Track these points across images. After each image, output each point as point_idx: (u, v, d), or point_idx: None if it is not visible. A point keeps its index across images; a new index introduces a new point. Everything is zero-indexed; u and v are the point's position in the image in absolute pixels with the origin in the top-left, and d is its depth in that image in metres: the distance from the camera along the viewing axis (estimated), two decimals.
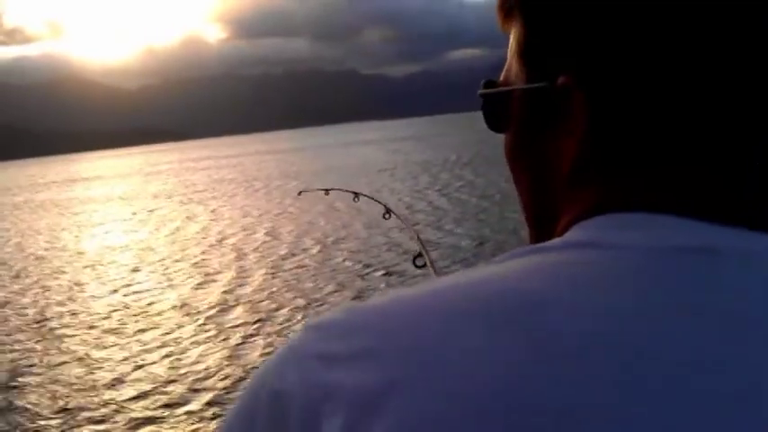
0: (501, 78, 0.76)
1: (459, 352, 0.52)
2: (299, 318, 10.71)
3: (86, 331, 11.55)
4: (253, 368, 8.74)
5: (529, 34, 0.69)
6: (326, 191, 5.31)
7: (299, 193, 6.85)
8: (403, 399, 0.51)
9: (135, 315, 12.24)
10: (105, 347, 10.48)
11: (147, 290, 14.12)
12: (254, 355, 9.33)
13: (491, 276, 0.59)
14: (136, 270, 16.53)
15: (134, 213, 30.35)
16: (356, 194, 4.65)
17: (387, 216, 4.09)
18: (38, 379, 9.36)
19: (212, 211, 27.14)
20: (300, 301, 11.81)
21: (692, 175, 0.62)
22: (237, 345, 9.81)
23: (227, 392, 8.14)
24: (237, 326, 10.71)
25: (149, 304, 12.90)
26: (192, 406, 7.91)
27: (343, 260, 14.89)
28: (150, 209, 31.44)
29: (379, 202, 4.30)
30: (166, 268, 16.21)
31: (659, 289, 0.56)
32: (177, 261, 16.88)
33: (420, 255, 3.08)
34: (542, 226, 0.72)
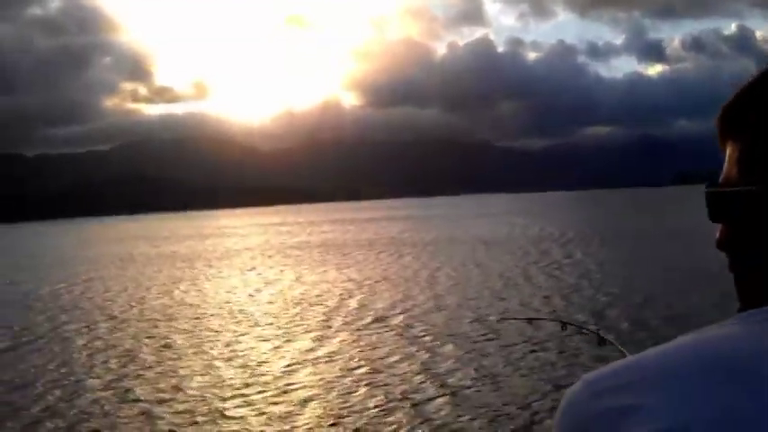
0: (721, 180, 0.96)
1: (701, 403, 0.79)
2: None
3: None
4: None
5: (744, 150, 0.92)
6: (530, 320, 5.40)
7: (502, 320, 7.12)
8: (661, 415, 0.80)
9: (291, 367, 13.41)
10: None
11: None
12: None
13: (725, 334, 0.86)
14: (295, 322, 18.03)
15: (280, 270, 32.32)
16: (564, 324, 4.52)
17: (601, 345, 3.99)
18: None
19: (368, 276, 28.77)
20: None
21: None
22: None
23: None
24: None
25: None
26: None
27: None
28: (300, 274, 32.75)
29: (589, 331, 4.23)
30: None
31: None
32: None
33: None
34: (748, 296, 0.93)
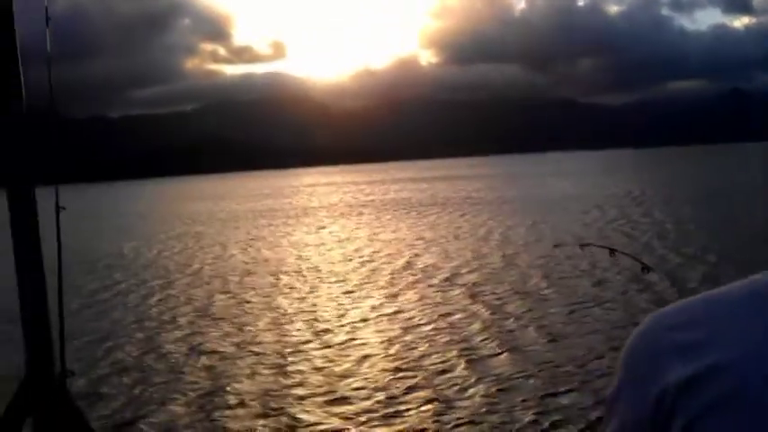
0: None
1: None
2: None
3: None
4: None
5: None
6: (582, 246, 5.93)
7: (555, 246, 7.86)
8: (717, 347, 0.86)
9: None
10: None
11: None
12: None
13: None
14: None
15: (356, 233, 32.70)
16: (612, 251, 5.08)
17: (645, 271, 4.28)
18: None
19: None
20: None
21: None
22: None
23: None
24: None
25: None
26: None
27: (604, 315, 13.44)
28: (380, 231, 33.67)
29: (636, 260, 4.53)
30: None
31: None
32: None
33: None
34: None
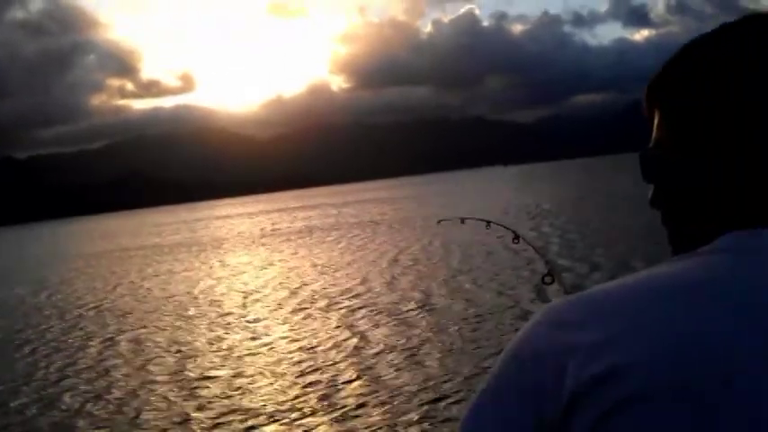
0: (651, 144, 1.06)
1: (653, 317, 0.86)
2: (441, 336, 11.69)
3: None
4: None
5: (663, 118, 1.04)
6: (462, 219, 6.03)
7: (439, 222, 8.02)
8: (617, 348, 0.84)
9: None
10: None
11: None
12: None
13: (669, 270, 0.93)
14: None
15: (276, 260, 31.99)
16: (488, 222, 5.31)
17: (516, 241, 4.56)
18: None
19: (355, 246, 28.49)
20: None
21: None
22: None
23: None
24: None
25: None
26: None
27: (476, 282, 16.94)
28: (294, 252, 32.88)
29: (508, 229, 4.79)
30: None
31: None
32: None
33: (549, 274, 3.39)
34: (679, 246, 1.03)
